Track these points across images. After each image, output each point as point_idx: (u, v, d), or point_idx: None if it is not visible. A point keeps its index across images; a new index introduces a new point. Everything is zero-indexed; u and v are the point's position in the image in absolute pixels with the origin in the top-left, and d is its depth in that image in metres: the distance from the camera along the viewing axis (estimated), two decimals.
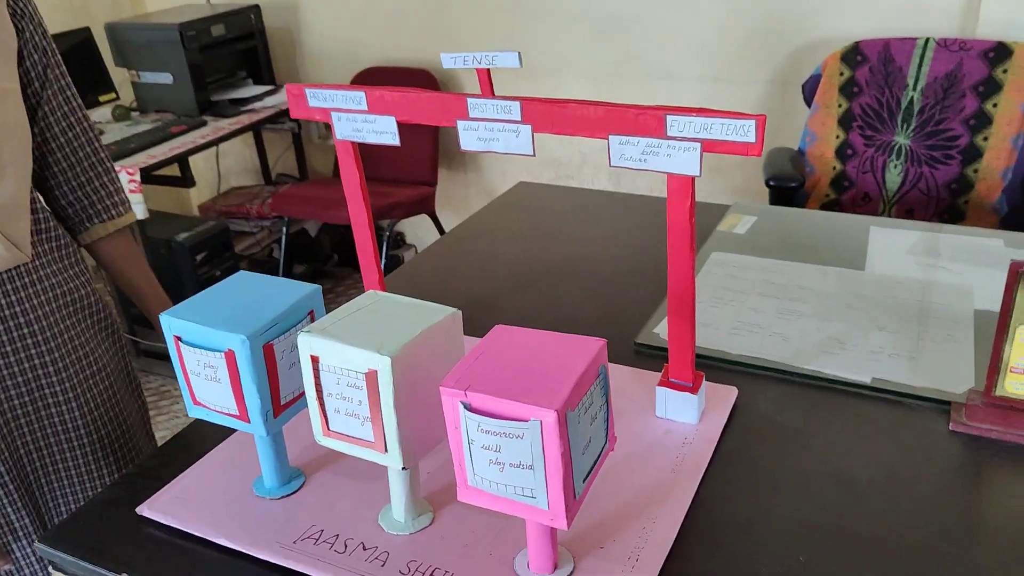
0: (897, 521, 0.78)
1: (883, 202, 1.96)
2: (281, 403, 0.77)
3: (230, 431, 0.93)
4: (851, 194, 1.96)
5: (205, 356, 0.74)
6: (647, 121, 0.79)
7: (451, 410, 0.64)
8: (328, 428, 0.73)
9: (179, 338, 0.75)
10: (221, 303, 0.77)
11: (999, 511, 0.79)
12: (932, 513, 0.79)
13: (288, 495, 0.84)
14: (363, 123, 0.95)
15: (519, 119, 0.85)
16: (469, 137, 0.89)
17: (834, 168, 1.96)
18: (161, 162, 2.44)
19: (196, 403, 0.79)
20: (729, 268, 1.29)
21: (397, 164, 2.79)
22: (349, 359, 0.69)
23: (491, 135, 0.88)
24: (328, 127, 3.24)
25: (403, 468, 0.71)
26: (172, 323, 0.75)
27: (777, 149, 2.09)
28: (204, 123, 2.72)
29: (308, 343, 0.71)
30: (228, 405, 0.76)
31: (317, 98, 0.96)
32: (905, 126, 1.89)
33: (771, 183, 1.84)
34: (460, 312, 0.75)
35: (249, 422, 0.76)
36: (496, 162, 2.94)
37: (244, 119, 2.76)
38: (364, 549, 0.76)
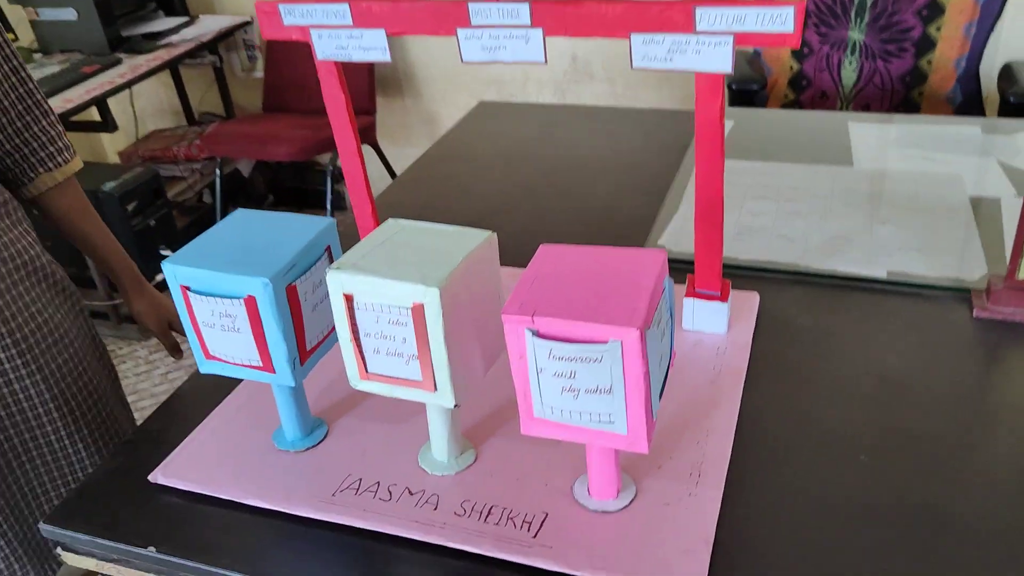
0: (944, 413, 0.77)
1: (840, 99, 1.96)
2: (307, 348, 0.71)
3: (229, 385, 0.86)
4: (809, 93, 1.95)
5: (220, 305, 0.67)
6: (673, 16, 0.74)
7: (516, 339, 0.59)
8: (366, 370, 0.67)
9: (187, 288, 0.67)
10: (228, 245, 0.69)
11: None
12: (978, 402, 0.78)
13: (313, 446, 0.78)
14: (348, 39, 0.86)
15: (528, 23, 0.78)
16: (471, 47, 0.82)
17: (791, 68, 1.93)
18: (79, 106, 2.24)
19: (209, 357, 0.72)
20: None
21: None
22: (390, 294, 0.63)
23: (496, 43, 0.81)
24: (252, 58, 3.01)
25: (455, 406, 0.67)
26: (178, 271, 0.67)
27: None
28: (119, 61, 2.51)
29: (340, 281, 0.64)
30: (249, 356, 0.69)
31: (293, 15, 0.87)
32: (859, 20, 1.87)
33: (733, 86, 1.80)
34: (496, 235, 0.69)
35: (275, 372, 0.70)
36: (434, 85, 2.82)
37: (163, 54, 2.56)
38: (411, 494, 0.72)
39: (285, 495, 0.73)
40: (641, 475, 0.71)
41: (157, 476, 0.76)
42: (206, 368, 0.73)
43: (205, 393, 0.87)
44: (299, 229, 0.71)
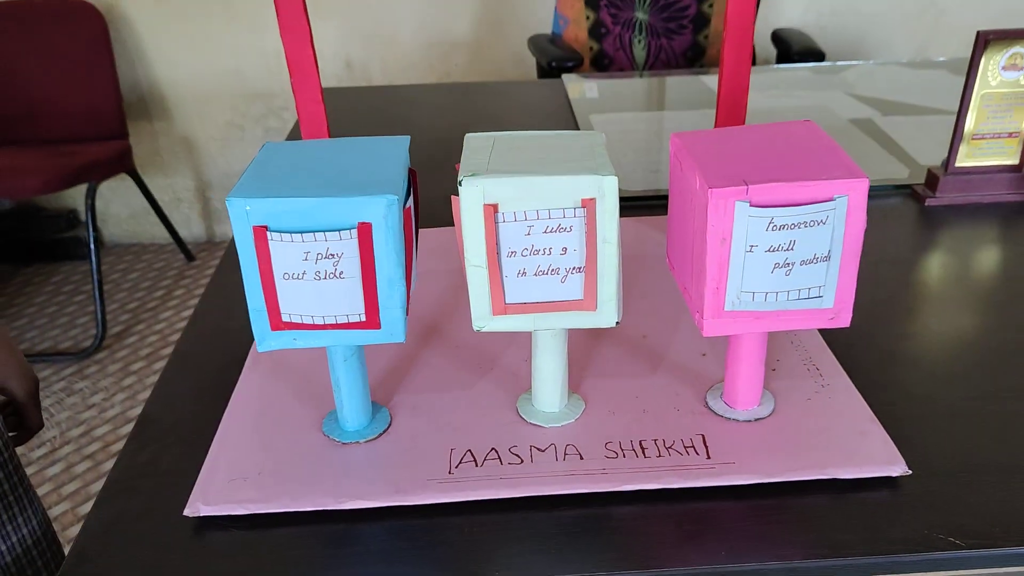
0: (950, 298, 0.82)
1: (638, 77, 2.07)
2: (410, 289, 0.57)
3: (210, 390, 0.68)
4: (611, 71, 2.03)
5: (319, 244, 0.51)
6: None
7: (721, 217, 0.52)
8: (504, 301, 0.55)
9: (266, 228, 0.51)
10: (298, 174, 0.54)
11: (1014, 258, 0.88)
12: (950, 272, 0.85)
13: (384, 431, 0.63)
14: None
15: None
16: None
17: (592, 48, 2.01)
18: None
19: (280, 326, 0.55)
20: (628, 124, 1.26)
21: (75, 118, 2.27)
22: (550, 195, 0.52)
23: None
24: None
25: (616, 323, 0.57)
26: (255, 206, 0.50)
27: (536, 36, 2.08)
28: None
29: (479, 189, 0.52)
30: (348, 310, 0.54)
31: None
32: (642, 1, 2.00)
33: (552, 64, 1.83)
34: (604, 136, 0.61)
35: (381, 327, 0.55)
36: (185, 106, 2.53)
37: None
38: (540, 451, 0.61)
39: (395, 487, 0.57)
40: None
41: (197, 507, 0.57)
42: (271, 343, 0.55)
43: (173, 401, 0.67)
44: (373, 148, 0.57)
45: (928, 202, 0.97)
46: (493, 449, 0.61)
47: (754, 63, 2.07)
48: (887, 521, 0.53)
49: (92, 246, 2.14)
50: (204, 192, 2.71)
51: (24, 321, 2.33)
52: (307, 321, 0.54)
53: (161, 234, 2.69)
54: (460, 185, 0.52)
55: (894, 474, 0.57)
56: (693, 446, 0.60)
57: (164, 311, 2.36)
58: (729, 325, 0.56)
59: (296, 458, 0.61)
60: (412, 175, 0.58)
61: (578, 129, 1.24)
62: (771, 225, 0.51)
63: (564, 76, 1.49)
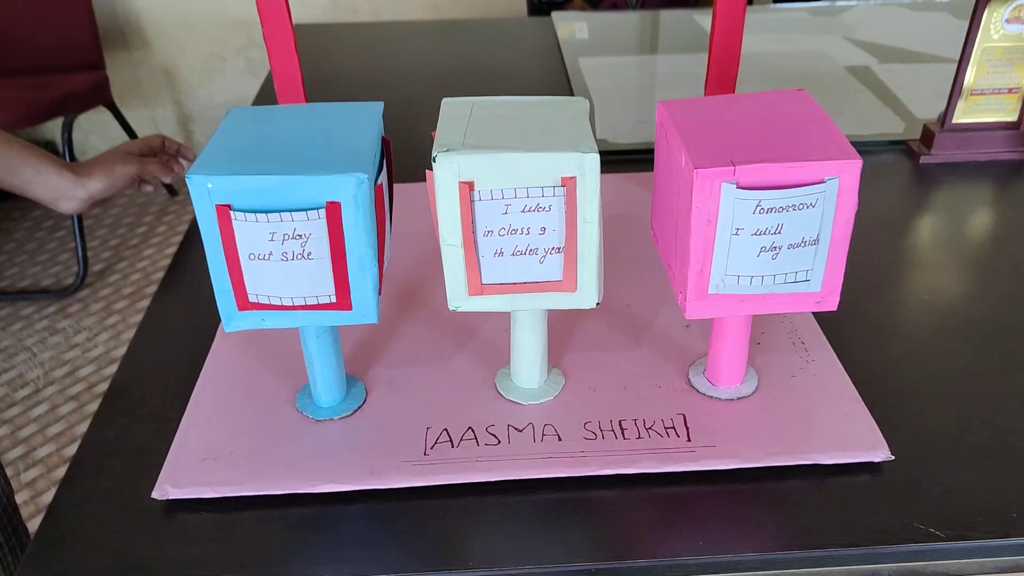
0: (957, 252, 0.80)
1: (630, 10, 2.00)
2: (382, 270, 0.54)
3: (176, 358, 0.66)
4: (605, 6, 1.97)
5: (285, 224, 0.48)
6: None
7: (706, 199, 0.49)
8: (481, 282, 0.53)
9: (230, 207, 0.48)
10: (265, 146, 0.51)
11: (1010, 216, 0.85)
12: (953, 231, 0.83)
13: (360, 407, 0.62)
14: None
15: None
16: None
17: None
18: None
19: (247, 306, 0.52)
20: (618, 69, 1.21)
21: (47, 47, 2.18)
22: (529, 172, 0.50)
23: None
24: None
25: (597, 304, 0.55)
26: (218, 184, 0.47)
27: None
28: None
29: (454, 165, 0.49)
30: (318, 291, 0.51)
31: None
32: None
33: (543, 0, 1.77)
34: (588, 101, 0.58)
35: (351, 308, 0.53)
36: (164, 35, 2.45)
37: None
38: (518, 431, 0.59)
39: (370, 470, 0.56)
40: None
41: (165, 490, 0.55)
42: (238, 323, 0.53)
43: (143, 374, 0.66)
44: (347, 116, 0.54)
45: (923, 159, 0.95)
46: (470, 428, 0.60)
47: (750, 2, 2.00)
48: (868, 509, 0.53)
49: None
50: (186, 125, 2.64)
51: (3, 258, 2.29)
52: (275, 302, 0.52)
53: None
54: (434, 161, 0.49)
55: (876, 459, 0.56)
56: (674, 427, 0.59)
57: (146, 248, 2.33)
58: (712, 308, 0.54)
59: (268, 437, 0.59)
60: (385, 145, 0.55)
61: (566, 73, 1.20)
62: (758, 208, 0.49)
63: (554, 14, 1.43)
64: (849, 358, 0.65)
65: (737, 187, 0.48)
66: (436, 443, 0.58)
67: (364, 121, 0.54)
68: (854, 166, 0.49)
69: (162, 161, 0.85)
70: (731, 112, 0.54)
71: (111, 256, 2.30)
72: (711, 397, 0.62)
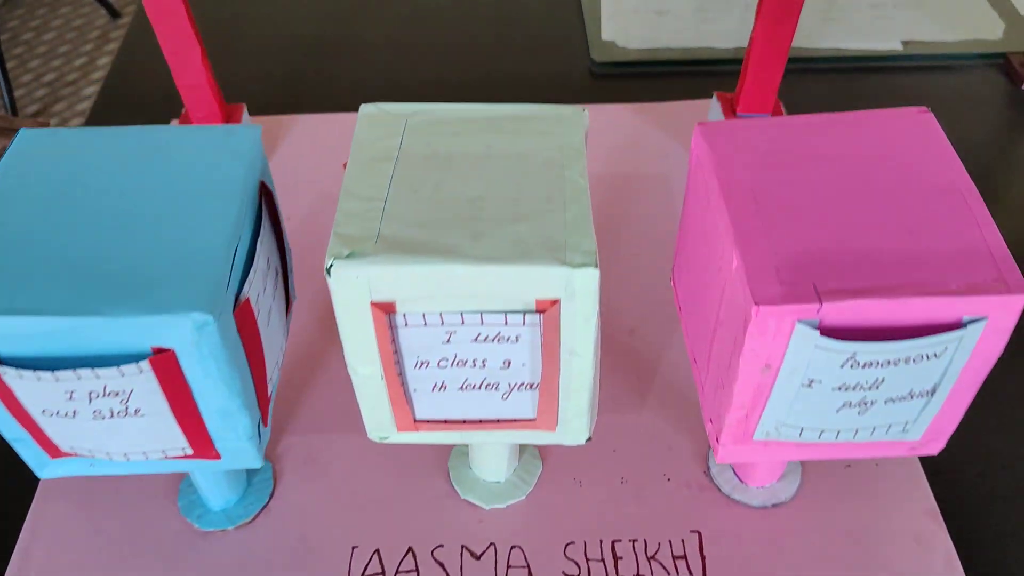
0: None
1: None
2: (268, 393, 0.36)
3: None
4: None
5: (86, 382, 0.30)
6: None
7: (768, 341, 0.30)
8: (414, 419, 0.36)
9: (1, 361, 0.29)
10: (54, 237, 0.31)
11: None
12: None
13: (264, 507, 0.46)
14: None
15: None
16: None
17: None
18: None
19: (60, 454, 0.35)
20: None
21: None
22: (488, 292, 0.31)
23: None
24: None
25: (588, 439, 0.38)
26: None
27: None
28: None
29: (365, 281, 0.30)
30: (163, 444, 0.34)
31: None
32: None
33: None
34: (586, 116, 0.37)
35: (219, 457, 0.35)
36: None
37: None
38: (476, 558, 0.44)
39: None
40: None
41: None
42: (55, 470, 0.36)
43: None
44: (201, 158, 0.33)
45: None
46: (410, 552, 0.44)
47: None
48: None
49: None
50: None
51: None
52: (100, 456, 0.34)
53: None
54: (328, 273, 0.30)
55: None
56: (685, 556, 0.44)
57: (87, 85, 2.06)
58: (756, 453, 0.37)
59: (136, 557, 0.44)
60: (266, 197, 0.35)
61: None
62: (851, 362, 0.30)
63: None
64: None
65: (820, 333, 0.30)
66: (364, 574, 0.43)
67: (228, 166, 0.33)
68: (1016, 303, 0.29)
69: None
70: (809, 164, 0.34)
71: (47, 95, 2.03)
72: (737, 501, 0.46)
